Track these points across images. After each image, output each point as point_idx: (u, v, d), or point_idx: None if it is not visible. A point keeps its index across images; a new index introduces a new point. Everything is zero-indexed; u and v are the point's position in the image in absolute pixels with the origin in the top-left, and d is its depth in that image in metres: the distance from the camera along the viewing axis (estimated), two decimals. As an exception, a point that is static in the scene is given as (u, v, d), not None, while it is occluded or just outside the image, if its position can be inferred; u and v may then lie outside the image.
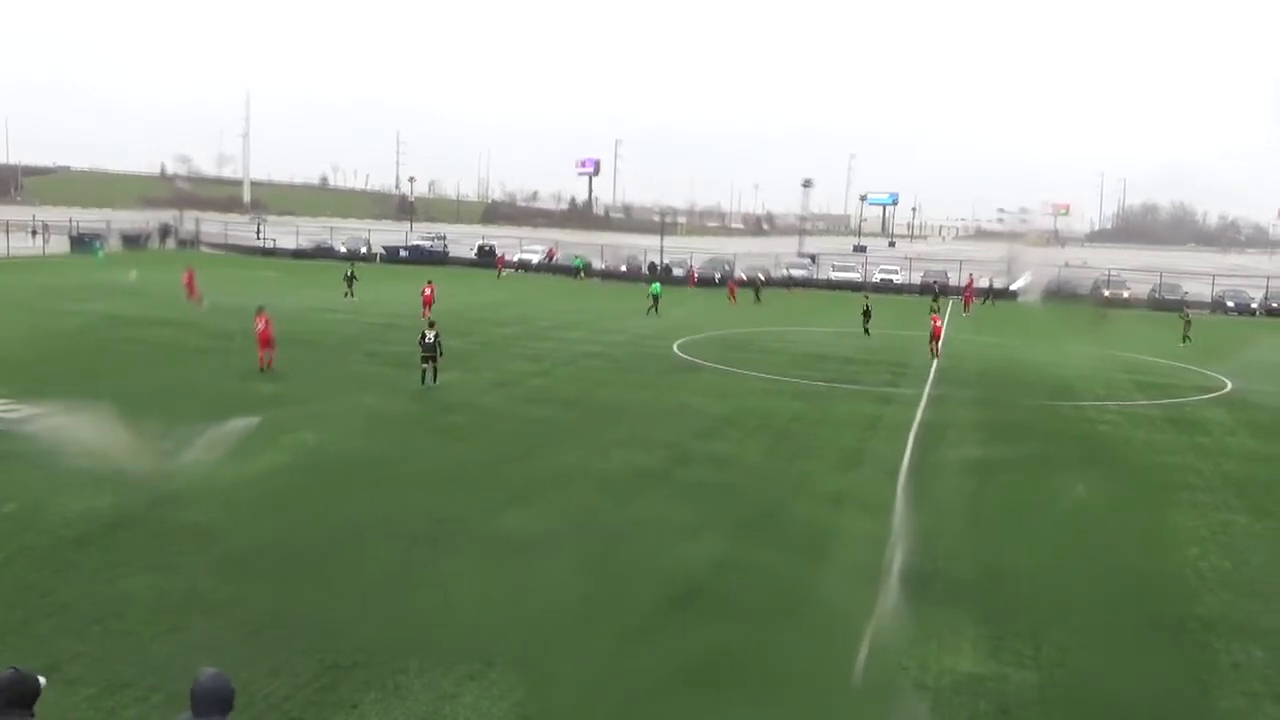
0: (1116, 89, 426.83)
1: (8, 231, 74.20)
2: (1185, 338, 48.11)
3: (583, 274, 76.90)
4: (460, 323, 42.03)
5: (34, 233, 78.72)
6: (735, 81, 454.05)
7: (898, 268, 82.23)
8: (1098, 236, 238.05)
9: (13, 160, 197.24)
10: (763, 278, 70.51)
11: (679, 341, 40.47)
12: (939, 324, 39.64)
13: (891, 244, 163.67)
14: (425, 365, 27.73)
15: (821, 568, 15.12)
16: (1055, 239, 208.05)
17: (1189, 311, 53.53)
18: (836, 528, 17.10)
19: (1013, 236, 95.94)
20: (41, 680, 6.43)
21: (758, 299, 61.79)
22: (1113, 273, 77.63)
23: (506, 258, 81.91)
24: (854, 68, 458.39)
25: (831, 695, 11.23)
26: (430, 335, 27.91)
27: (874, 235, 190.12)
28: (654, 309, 51.85)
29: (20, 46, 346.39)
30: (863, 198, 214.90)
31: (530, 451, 21.42)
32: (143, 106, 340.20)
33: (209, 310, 41.36)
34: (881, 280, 77.37)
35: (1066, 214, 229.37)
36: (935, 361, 36.63)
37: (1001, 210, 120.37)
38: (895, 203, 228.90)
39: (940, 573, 15.11)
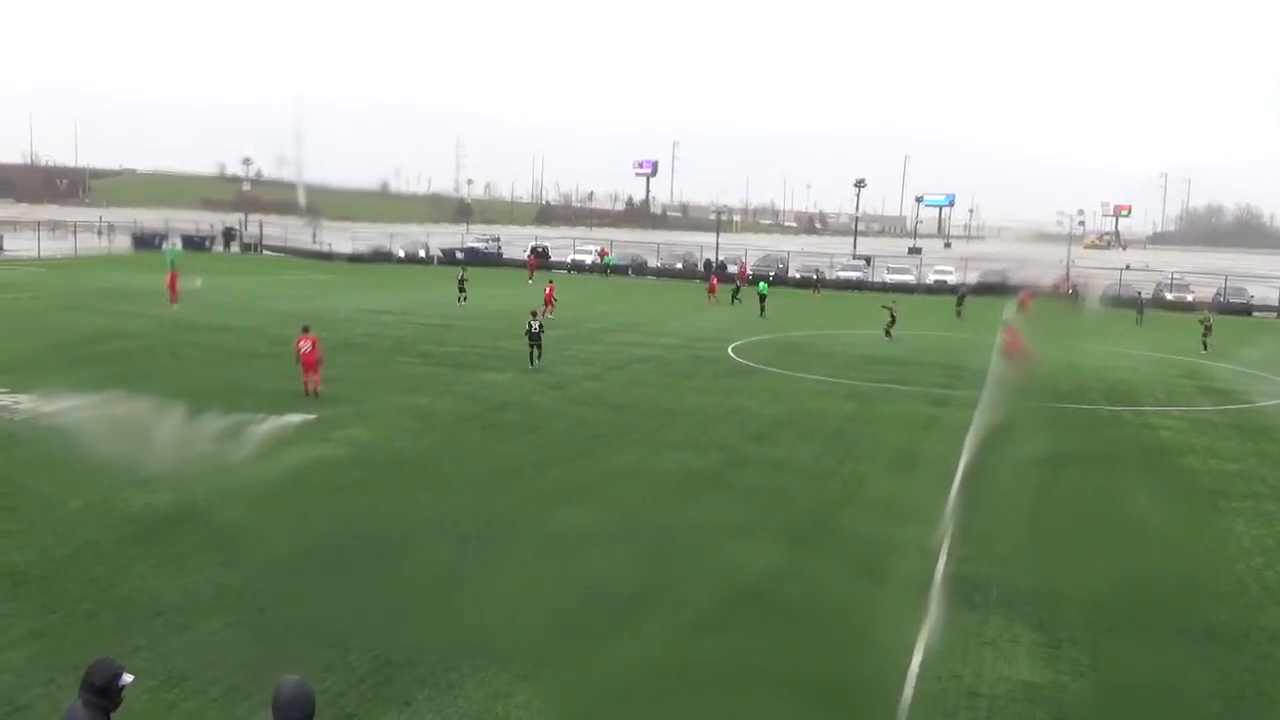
0: (1182, 89, 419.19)
1: (75, 232, 75.99)
2: (1204, 344, 44.47)
3: (609, 271, 79.16)
4: (512, 325, 42.25)
5: (100, 233, 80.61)
6: (791, 81, 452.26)
7: (952, 269, 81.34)
8: (1160, 239, 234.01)
9: (80, 163, 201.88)
10: (815, 277, 70.13)
11: (733, 344, 40.35)
12: (1015, 338, 34.53)
13: (947, 245, 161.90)
14: (531, 349, 31.74)
15: (875, 573, 14.98)
16: (1116, 241, 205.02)
17: (1209, 315, 49.18)
18: (890, 533, 16.94)
19: (1071, 238, 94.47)
20: (127, 677, 6.58)
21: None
22: (1175, 276, 76.18)
23: (538, 261, 77.25)
24: (911, 68, 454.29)
25: (883, 703, 11.12)
26: (534, 325, 32.04)
27: (930, 236, 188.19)
28: (762, 310, 52.12)
29: (87, 53, 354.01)
30: (918, 198, 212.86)
31: (583, 453, 21.49)
32: (205, 110, 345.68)
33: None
34: (936, 282, 76.60)
35: (1128, 215, 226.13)
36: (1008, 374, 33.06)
37: (1060, 212, 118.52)
38: (951, 204, 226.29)
39: (996, 579, 14.92)
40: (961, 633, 12.90)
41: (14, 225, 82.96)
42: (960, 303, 54.60)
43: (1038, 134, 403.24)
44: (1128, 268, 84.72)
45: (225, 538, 14.94)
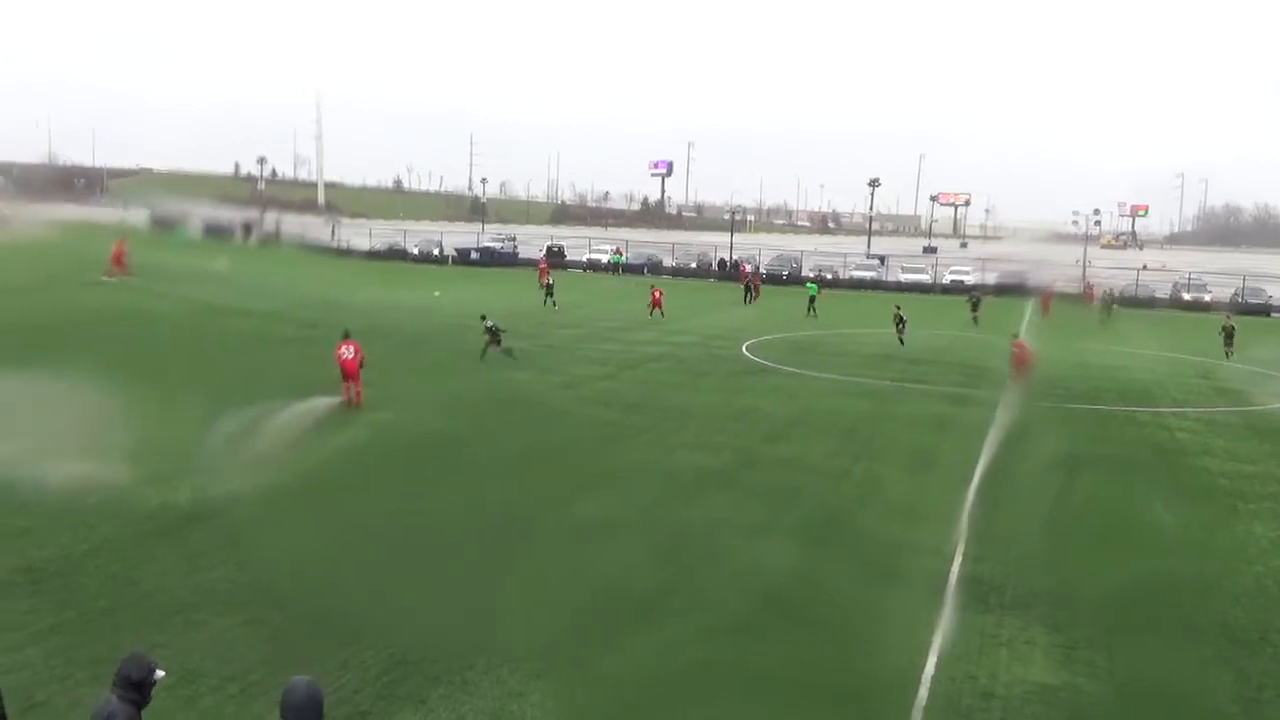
0: (1199, 88, 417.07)
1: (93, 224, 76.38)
2: (1227, 352, 41.98)
3: (620, 269, 79.16)
4: (527, 324, 42.32)
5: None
6: (806, 81, 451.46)
7: (969, 269, 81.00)
8: (1177, 239, 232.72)
9: (98, 163, 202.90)
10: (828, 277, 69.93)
11: (747, 343, 40.34)
12: (1025, 350, 32.30)
13: (963, 245, 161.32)
14: (488, 345, 31.44)
15: (889, 573, 14.95)
16: (1132, 241, 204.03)
17: (1229, 320, 45.03)
18: (905, 533, 16.90)
19: (1087, 238, 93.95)
20: (159, 672, 6.64)
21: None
22: (1192, 276, 75.78)
23: (549, 266, 66.31)
24: (926, 66, 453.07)
25: (897, 704, 11.10)
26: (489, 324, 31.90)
27: (945, 236, 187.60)
28: (812, 310, 51.99)
29: (103, 53, 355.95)
30: (933, 198, 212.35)
31: (594, 452, 21.52)
32: (220, 110, 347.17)
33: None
34: (952, 282, 76.28)
35: (1145, 215, 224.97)
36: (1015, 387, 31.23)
37: (1076, 212, 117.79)
38: (968, 204, 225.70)
39: (1011, 580, 14.88)
40: (977, 634, 12.87)
41: (30, 223, 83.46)
42: (975, 308, 53.10)
43: (1054, 133, 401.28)
44: (1144, 268, 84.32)
45: (243, 532, 15.05)
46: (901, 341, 40.80)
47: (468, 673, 11.01)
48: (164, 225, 75.15)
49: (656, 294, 48.72)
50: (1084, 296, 61.83)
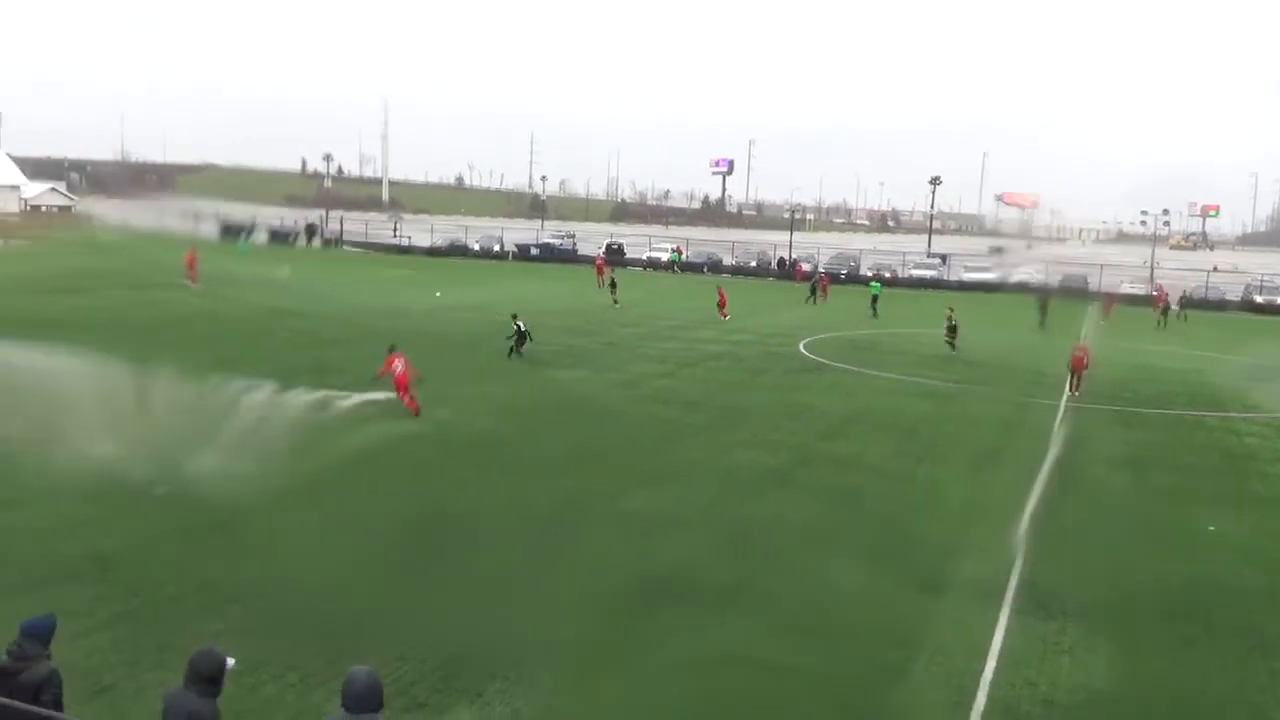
0: (1274, 84, 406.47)
1: (161, 215, 78.19)
2: None
3: (676, 268, 78.73)
4: (586, 322, 42.53)
5: (190, 217, 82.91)
6: (867, 78, 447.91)
7: (1034, 270, 79.76)
8: (1249, 240, 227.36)
9: (167, 159, 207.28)
10: (828, 274, 68.57)
11: (805, 341, 40.13)
12: (1084, 353, 31.16)
13: (1028, 246, 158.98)
14: (514, 347, 31.26)
15: (949, 576, 14.79)
16: (1202, 242, 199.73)
17: None
18: (966, 536, 16.72)
19: (1155, 239, 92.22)
20: (230, 661, 6.80)
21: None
22: (1265, 278, 73.95)
23: (605, 262, 68.18)
24: (990, 62, 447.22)
25: (957, 710, 10.98)
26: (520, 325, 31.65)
27: (1009, 237, 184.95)
28: (875, 310, 51.35)
29: (170, 50, 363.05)
30: (997, 197, 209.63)
31: (652, 450, 21.55)
32: (286, 107, 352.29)
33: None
34: (1017, 283, 75.14)
35: (1216, 216, 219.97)
36: (1073, 394, 30.14)
37: (1144, 212, 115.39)
38: (1035, 204, 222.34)
39: (1074, 586, 14.64)
40: (1038, 640, 12.69)
41: (104, 219, 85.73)
42: (1043, 312, 51.25)
43: (1122, 131, 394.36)
44: (1215, 269, 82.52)
45: (306, 521, 15.40)
46: (952, 347, 38.75)
47: (524, 666, 11.07)
48: (232, 233, 76.44)
49: (723, 294, 47.98)
50: (1154, 300, 59.92)
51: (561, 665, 11.22)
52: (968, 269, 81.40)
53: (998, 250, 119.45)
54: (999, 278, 77.15)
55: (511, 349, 31.39)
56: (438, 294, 48.33)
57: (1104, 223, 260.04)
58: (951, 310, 40.30)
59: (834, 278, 68.98)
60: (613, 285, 52.28)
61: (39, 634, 7.29)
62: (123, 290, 43.30)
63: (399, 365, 23.05)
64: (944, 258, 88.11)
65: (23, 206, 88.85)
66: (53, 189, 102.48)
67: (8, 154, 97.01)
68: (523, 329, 31.55)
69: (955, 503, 18.83)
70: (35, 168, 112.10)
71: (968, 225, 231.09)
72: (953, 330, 39.04)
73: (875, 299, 52.65)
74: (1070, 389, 30.26)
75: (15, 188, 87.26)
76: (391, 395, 22.50)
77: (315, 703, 9.97)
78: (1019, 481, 20.18)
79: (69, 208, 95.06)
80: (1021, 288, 69.97)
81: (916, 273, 79.08)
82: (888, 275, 73.10)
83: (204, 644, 7.09)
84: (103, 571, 13.13)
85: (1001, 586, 14.28)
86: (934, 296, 64.90)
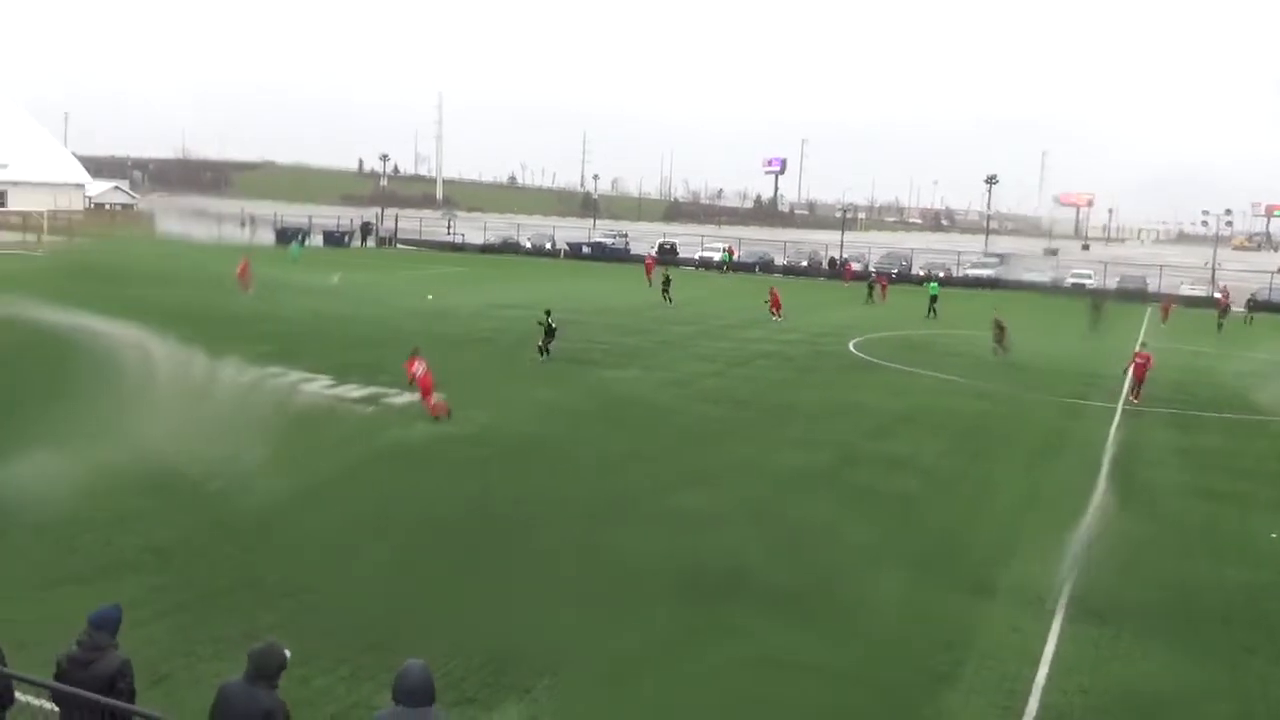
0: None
1: (219, 223, 79.32)
2: None
3: (726, 267, 78.77)
4: (638, 321, 42.60)
5: (243, 224, 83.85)
6: (921, 77, 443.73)
7: (1091, 272, 78.61)
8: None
9: (225, 157, 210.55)
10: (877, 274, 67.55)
11: (855, 340, 39.89)
12: (1146, 360, 29.83)
13: (1085, 247, 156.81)
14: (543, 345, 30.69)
15: (1000, 580, 14.62)
16: (1266, 242, 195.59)
17: None
18: (1020, 539, 16.52)
19: (1217, 240, 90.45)
20: (286, 653, 6.95)
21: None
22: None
23: (656, 261, 68.92)
24: (1049, 60, 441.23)
25: (1008, 716, 10.86)
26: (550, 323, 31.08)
27: (1066, 237, 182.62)
28: (933, 311, 50.21)
29: (230, 50, 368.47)
30: (1055, 198, 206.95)
31: (701, 449, 21.54)
32: (340, 107, 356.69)
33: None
34: (1073, 285, 74.13)
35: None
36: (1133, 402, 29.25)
37: (1205, 212, 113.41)
38: (1090, 205, 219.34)
39: (1128, 592, 14.42)
40: (1091, 645, 12.52)
41: (164, 216, 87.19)
42: (1097, 311, 50.28)
43: (1183, 129, 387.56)
44: (1279, 271, 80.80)
45: (356, 514, 15.62)
46: (1000, 351, 36.99)
47: (573, 663, 11.11)
48: (287, 238, 77.09)
49: (775, 294, 47.04)
50: (1217, 302, 58.43)
51: (609, 663, 11.25)
52: (1027, 269, 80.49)
53: (1053, 252, 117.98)
54: (1052, 279, 76.15)
55: (541, 346, 30.86)
56: (429, 297, 46.65)
57: (1164, 223, 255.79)
58: (998, 313, 39.01)
59: (889, 278, 68.14)
60: (665, 284, 51.55)
61: (107, 624, 7.45)
62: (175, 289, 44.02)
63: (419, 368, 22.57)
64: (1002, 257, 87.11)
65: (87, 204, 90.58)
66: (116, 187, 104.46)
67: (73, 153, 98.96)
68: (552, 326, 31.05)
69: (1007, 505, 18.61)
70: (99, 166, 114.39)
71: (1024, 226, 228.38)
72: (1000, 332, 37.49)
73: (934, 299, 51.45)
74: (1131, 396, 29.45)
75: (80, 186, 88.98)
76: (441, 397, 22.66)
77: (365, 695, 10.09)
78: (1073, 485, 19.91)
79: (131, 205, 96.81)
80: (1077, 290, 69.04)
81: (973, 272, 78.09)
82: (942, 275, 72.24)
83: (264, 639, 7.20)
84: (161, 563, 13.38)
85: (1054, 591, 14.10)
86: (990, 297, 64.11)
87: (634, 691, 10.76)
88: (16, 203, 76.29)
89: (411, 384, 22.61)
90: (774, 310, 46.15)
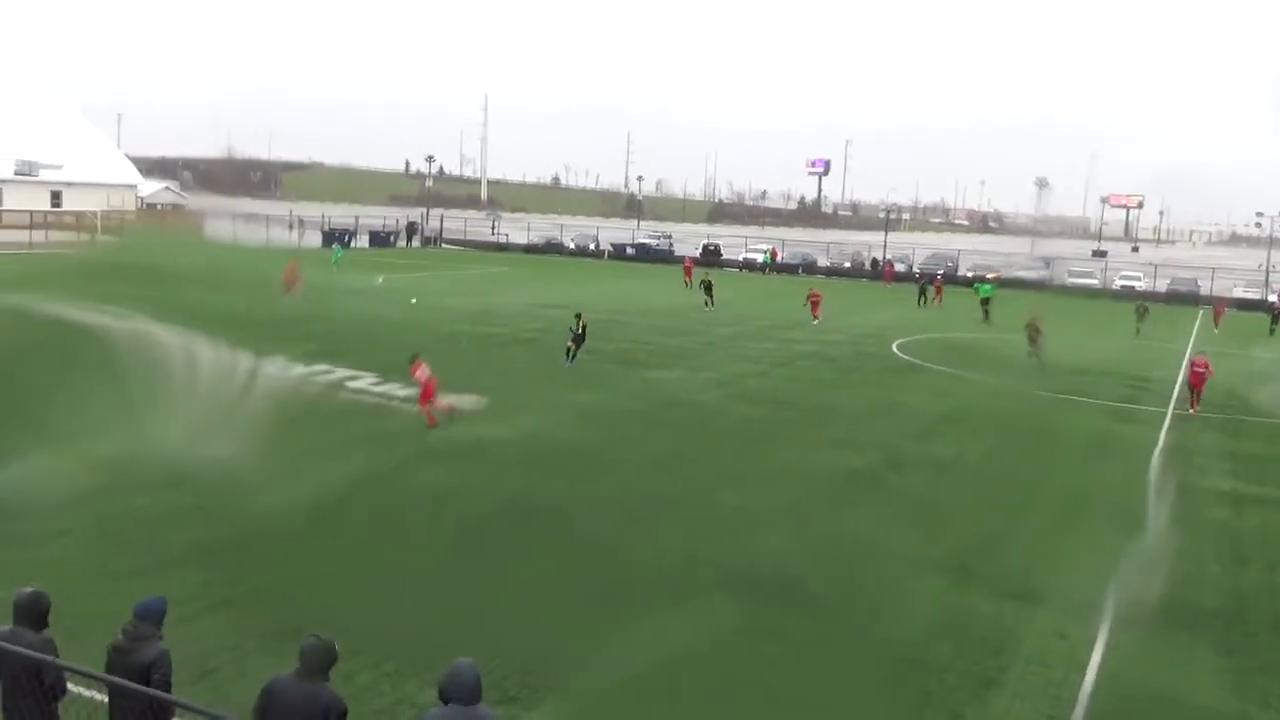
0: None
1: (268, 225, 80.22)
2: None
3: (768, 269, 78.63)
4: (683, 322, 42.58)
5: (291, 227, 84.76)
6: (966, 77, 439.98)
7: (1140, 274, 77.46)
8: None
9: (273, 157, 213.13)
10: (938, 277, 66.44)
11: (898, 341, 39.63)
12: (1204, 368, 28.73)
13: (1135, 249, 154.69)
14: (571, 347, 30.02)
15: (1045, 585, 14.45)
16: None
17: None
18: (1066, 544, 16.34)
19: (1271, 242, 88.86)
20: (337, 648, 7.07)
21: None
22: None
23: (695, 263, 68.07)
24: (1094, 62, 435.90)
25: None
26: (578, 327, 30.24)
27: (1115, 239, 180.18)
28: (986, 314, 48.69)
29: (280, 54, 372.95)
30: (1104, 199, 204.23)
31: (743, 451, 21.51)
32: (387, 108, 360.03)
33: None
34: (1122, 287, 73.07)
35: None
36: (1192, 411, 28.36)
37: (1260, 214, 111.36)
38: (1140, 206, 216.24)
39: (1180, 599, 14.21)
40: (1140, 652, 12.34)
41: (214, 217, 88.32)
42: (1141, 317, 48.68)
43: (1236, 129, 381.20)
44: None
45: (407, 504, 15.89)
46: (1034, 355, 35.61)
47: (612, 663, 11.11)
48: (333, 240, 77.63)
49: (815, 296, 46.33)
50: (1271, 306, 56.93)
51: (647, 663, 11.23)
52: (1071, 273, 79.36)
53: (1101, 254, 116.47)
54: (1101, 282, 75.16)
55: (569, 350, 29.94)
56: (413, 300, 44.99)
57: (1215, 224, 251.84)
58: (1035, 316, 37.69)
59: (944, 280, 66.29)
60: (707, 288, 49.79)
61: (151, 615, 7.59)
62: (223, 292, 44.47)
63: (424, 373, 21.92)
64: (1048, 260, 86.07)
65: (139, 204, 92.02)
66: (166, 187, 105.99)
67: (125, 154, 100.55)
68: (581, 332, 30.04)
69: (1054, 509, 18.41)
70: (150, 166, 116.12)
71: (1072, 228, 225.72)
72: (1035, 334, 36.16)
73: (986, 301, 49.97)
74: (1189, 405, 28.45)
75: (132, 186, 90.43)
76: (483, 400, 22.70)
77: (409, 692, 10.16)
78: (1121, 490, 19.66)
79: (181, 205, 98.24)
80: (1126, 292, 68.09)
81: (1020, 274, 77.01)
82: (990, 276, 71.15)
83: (314, 634, 7.28)
84: (207, 559, 13.54)
85: (1102, 596, 13.92)
86: (1035, 300, 63.29)
87: (677, 691, 10.73)
88: (71, 203, 77.67)
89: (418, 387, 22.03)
90: (813, 312, 45.65)
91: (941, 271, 73.36)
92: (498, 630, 11.72)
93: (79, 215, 72.48)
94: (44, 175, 75.21)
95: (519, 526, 15.57)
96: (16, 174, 73.01)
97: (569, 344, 30.08)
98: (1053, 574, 14.88)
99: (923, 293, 57.20)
